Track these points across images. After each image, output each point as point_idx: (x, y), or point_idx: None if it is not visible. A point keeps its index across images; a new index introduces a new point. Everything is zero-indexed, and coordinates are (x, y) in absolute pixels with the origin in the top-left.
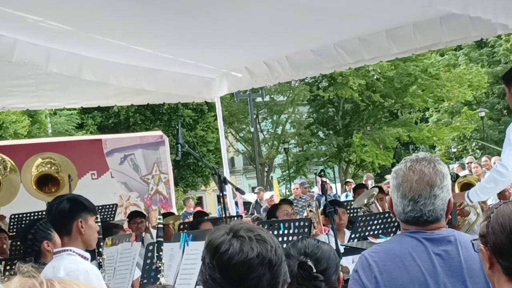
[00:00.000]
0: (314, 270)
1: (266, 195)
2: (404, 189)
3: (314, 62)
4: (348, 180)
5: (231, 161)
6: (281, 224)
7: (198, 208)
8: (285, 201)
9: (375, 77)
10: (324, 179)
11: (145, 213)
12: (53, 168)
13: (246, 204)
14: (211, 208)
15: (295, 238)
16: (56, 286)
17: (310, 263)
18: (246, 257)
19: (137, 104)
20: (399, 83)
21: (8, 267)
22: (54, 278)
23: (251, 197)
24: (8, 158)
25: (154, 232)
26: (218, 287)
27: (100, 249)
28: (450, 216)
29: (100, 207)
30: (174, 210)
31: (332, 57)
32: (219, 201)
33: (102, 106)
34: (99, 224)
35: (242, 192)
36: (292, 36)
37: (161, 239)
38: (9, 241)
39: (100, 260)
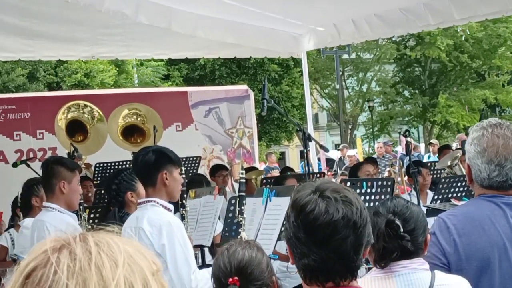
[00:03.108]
0: (402, 230)
1: (349, 152)
2: (490, 154)
3: (402, 21)
4: (431, 141)
5: (315, 117)
6: (364, 183)
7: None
8: (369, 160)
9: (463, 38)
10: (408, 139)
11: (228, 166)
12: (139, 119)
13: (329, 161)
14: (293, 163)
15: (377, 197)
16: (89, 239)
17: (398, 222)
18: (332, 218)
19: (224, 57)
20: (487, 45)
21: (92, 215)
22: (89, 232)
23: (334, 154)
24: (96, 108)
25: (236, 185)
26: (302, 246)
27: (184, 201)
28: None
29: (184, 159)
30: (257, 164)
31: (421, 17)
32: (301, 157)
33: (189, 58)
34: (183, 176)
35: (326, 150)
36: None
37: (243, 194)
38: (94, 189)
39: (183, 212)
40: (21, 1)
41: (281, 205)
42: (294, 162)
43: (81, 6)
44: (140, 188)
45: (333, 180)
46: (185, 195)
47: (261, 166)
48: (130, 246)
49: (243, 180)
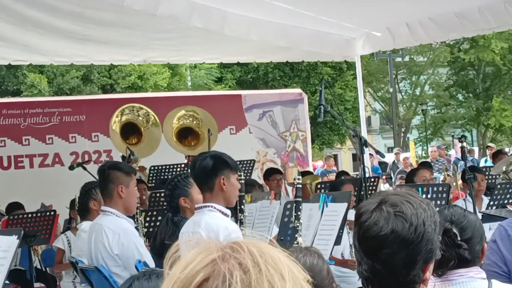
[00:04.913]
0: (459, 238)
1: (402, 156)
2: None
3: (457, 25)
4: (489, 144)
5: (368, 120)
6: (419, 189)
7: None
8: (424, 164)
9: None
10: (464, 144)
11: (281, 170)
12: (194, 122)
13: (382, 164)
14: (346, 166)
15: (432, 203)
16: (254, 250)
17: (455, 230)
18: (379, 232)
19: (277, 61)
20: None
21: (148, 218)
22: (256, 246)
23: (387, 158)
24: (152, 112)
25: (289, 188)
26: (357, 253)
27: (242, 206)
28: None
29: (238, 162)
30: (310, 168)
31: (476, 20)
32: (354, 160)
33: (241, 62)
34: (242, 181)
35: (382, 155)
36: None
37: (300, 199)
38: (148, 192)
39: (242, 217)
40: (76, 6)
41: (337, 210)
42: (346, 165)
43: (135, 11)
44: (194, 193)
45: (387, 184)
46: (243, 200)
47: (316, 163)
48: (284, 256)
49: (300, 186)
